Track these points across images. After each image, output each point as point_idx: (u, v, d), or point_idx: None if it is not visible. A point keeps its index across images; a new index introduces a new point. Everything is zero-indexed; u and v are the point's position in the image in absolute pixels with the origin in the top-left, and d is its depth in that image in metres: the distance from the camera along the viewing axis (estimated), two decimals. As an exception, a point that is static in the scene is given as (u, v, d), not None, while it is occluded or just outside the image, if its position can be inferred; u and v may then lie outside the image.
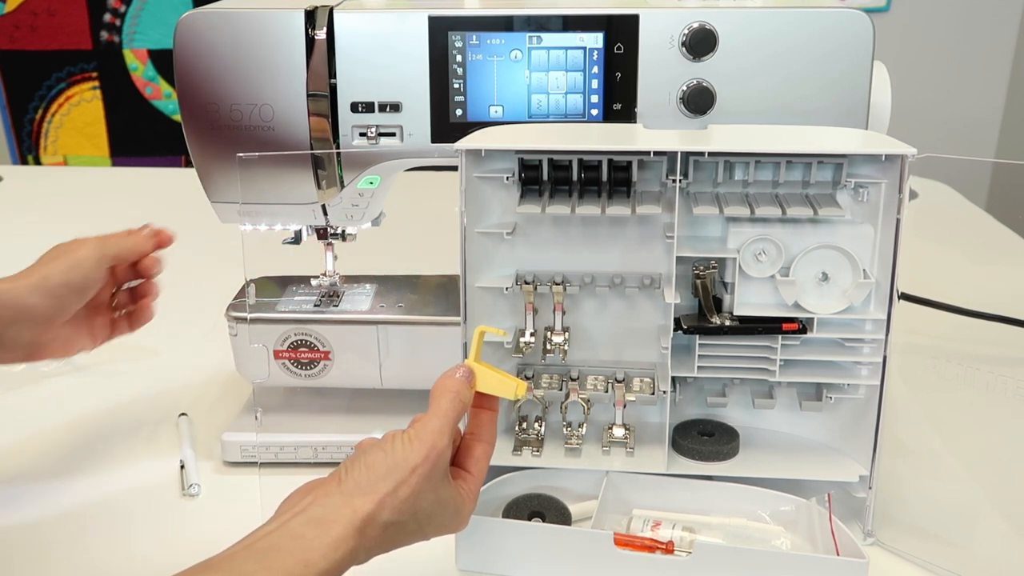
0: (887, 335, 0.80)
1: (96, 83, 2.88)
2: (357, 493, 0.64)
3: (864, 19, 0.83)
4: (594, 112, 0.86)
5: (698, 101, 0.84)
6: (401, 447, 0.66)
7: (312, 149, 0.86)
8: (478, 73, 0.85)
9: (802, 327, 0.82)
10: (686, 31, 0.83)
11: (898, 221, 0.77)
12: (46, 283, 0.84)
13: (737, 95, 0.84)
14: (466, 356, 0.80)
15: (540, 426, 0.88)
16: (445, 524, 0.69)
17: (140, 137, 2.92)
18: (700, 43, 0.83)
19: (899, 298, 0.79)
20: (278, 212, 0.91)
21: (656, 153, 0.81)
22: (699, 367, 0.84)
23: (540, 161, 0.83)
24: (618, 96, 0.85)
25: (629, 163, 0.83)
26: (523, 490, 0.85)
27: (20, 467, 0.94)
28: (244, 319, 0.93)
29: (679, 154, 0.79)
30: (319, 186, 0.88)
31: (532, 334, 0.87)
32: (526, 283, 0.86)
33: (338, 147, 0.87)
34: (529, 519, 0.81)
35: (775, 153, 0.81)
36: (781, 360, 0.83)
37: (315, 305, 0.95)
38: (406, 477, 0.65)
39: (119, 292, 0.93)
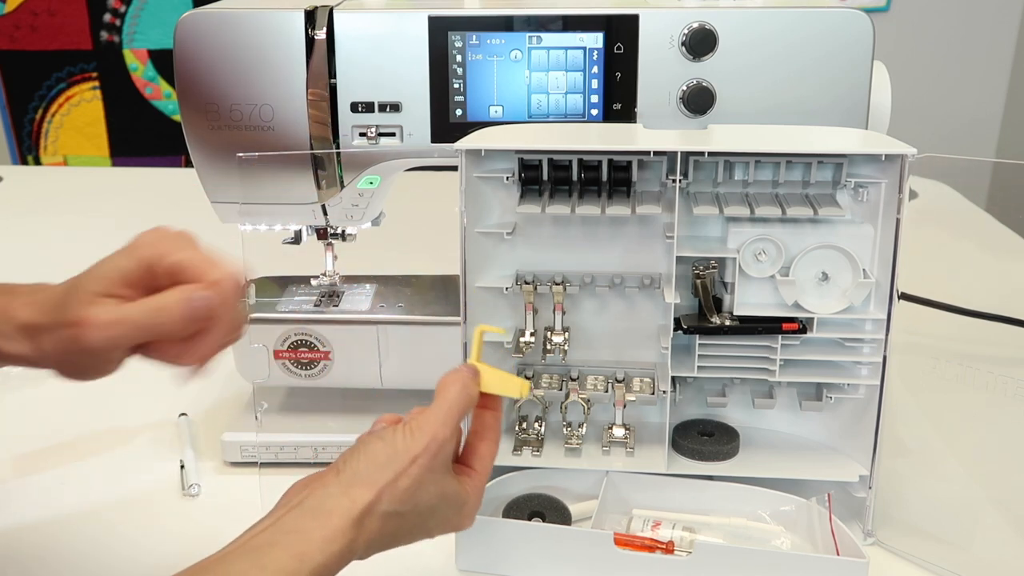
0: (887, 335, 0.80)
1: (96, 83, 2.88)
2: (355, 483, 0.62)
3: (864, 19, 0.83)
4: (594, 112, 0.86)
5: (698, 101, 0.84)
6: (402, 437, 0.64)
7: (312, 149, 0.86)
8: (478, 73, 0.85)
9: (802, 327, 0.82)
10: (686, 31, 0.83)
11: (898, 221, 0.77)
12: None
13: (737, 95, 0.84)
14: (466, 357, 0.80)
15: (540, 426, 0.88)
16: (448, 519, 0.68)
17: (140, 137, 2.92)
18: (700, 43, 0.83)
19: (899, 298, 0.79)
20: (278, 212, 0.91)
21: (656, 153, 0.81)
22: (699, 367, 0.84)
23: (540, 161, 0.83)
24: (618, 96, 0.85)
25: (629, 163, 0.83)
26: (523, 490, 0.85)
27: (20, 467, 0.94)
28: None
29: (679, 154, 0.79)
30: (319, 186, 0.88)
31: (532, 334, 0.87)
32: (526, 283, 0.86)
33: (338, 147, 0.87)
34: (529, 519, 0.81)
35: (775, 153, 0.81)
36: (781, 360, 0.83)
37: (315, 305, 0.95)
38: (406, 467, 0.63)
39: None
